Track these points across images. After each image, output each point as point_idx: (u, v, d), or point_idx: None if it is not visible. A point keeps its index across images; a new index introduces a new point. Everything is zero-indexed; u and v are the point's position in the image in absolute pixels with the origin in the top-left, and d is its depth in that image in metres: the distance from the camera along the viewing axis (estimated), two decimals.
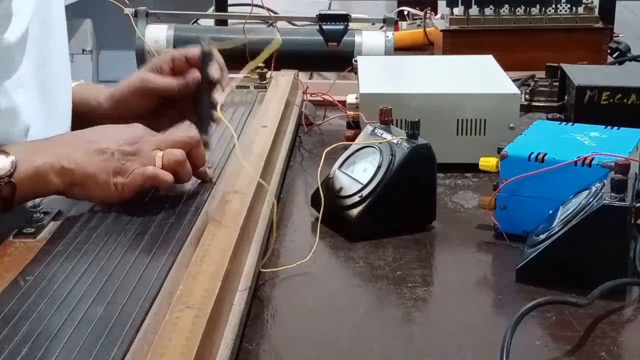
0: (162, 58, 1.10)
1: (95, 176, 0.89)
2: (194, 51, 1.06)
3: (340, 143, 1.09)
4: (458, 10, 1.75)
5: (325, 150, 1.02)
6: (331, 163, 1.03)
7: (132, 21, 1.56)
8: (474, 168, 1.02)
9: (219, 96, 1.04)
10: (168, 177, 0.91)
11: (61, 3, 1.11)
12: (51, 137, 0.95)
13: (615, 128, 1.03)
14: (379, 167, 0.97)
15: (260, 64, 1.44)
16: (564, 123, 1.08)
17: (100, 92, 1.14)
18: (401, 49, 1.81)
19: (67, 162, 0.88)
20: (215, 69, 1.05)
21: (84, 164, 0.89)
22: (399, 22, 1.97)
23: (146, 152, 0.92)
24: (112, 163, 0.90)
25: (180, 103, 1.08)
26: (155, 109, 1.10)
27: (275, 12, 1.75)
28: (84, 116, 1.11)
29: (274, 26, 1.61)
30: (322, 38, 1.60)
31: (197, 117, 1.03)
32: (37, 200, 0.90)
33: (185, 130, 0.96)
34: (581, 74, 1.26)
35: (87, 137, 0.93)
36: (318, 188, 0.99)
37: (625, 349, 0.75)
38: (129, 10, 1.54)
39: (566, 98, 1.29)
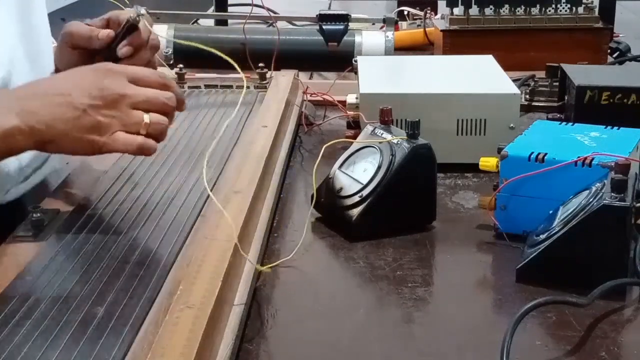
0: (101, 17, 1.06)
1: (66, 134, 0.86)
2: (118, 19, 1.02)
3: (340, 140, 1.09)
4: (458, 10, 1.75)
5: (325, 146, 1.02)
6: (330, 162, 1.03)
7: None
8: (474, 168, 1.02)
9: (124, 50, 1.01)
10: (154, 147, 0.90)
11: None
12: (19, 88, 0.91)
13: (615, 128, 1.03)
14: (379, 167, 0.97)
15: (261, 64, 1.44)
16: (564, 123, 1.08)
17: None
18: (401, 49, 1.81)
19: (36, 123, 0.85)
20: (129, 44, 1.01)
21: (54, 122, 0.85)
22: (399, 22, 1.97)
23: (125, 111, 0.88)
24: (84, 121, 0.86)
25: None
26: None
27: (275, 12, 1.75)
28: None
29: (274, 26, 1.61)
30: (322, 38, 1.60)
31: None
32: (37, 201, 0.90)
33: (154, 74, 0.93)
34: (581, 74, 1.26)
35: (56, 88, 0.88)
36: (319, 187, 0.99)
37: (625, 349, 0.75)
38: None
39: (566, 98, 1.29)
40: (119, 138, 0.87)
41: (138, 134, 0.88)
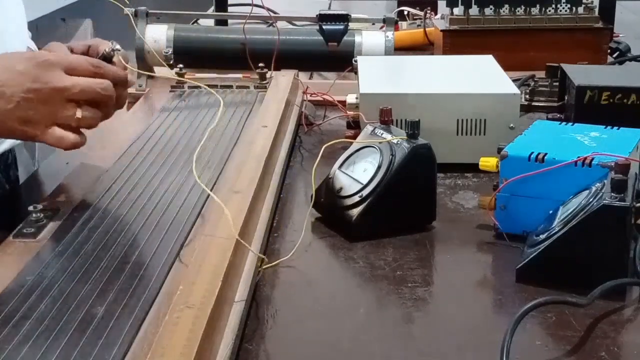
0: (84, 42, 1.05)
1: None
2: (97, 48, 1.01)
3: (340, 140, 1.09)
4: (458, 10, 1.75)
5: (324, 146, 1.02)
6: (330, 162, 1.03)
7: (132, 21, 1.56)
8: (474, 168, 1.02)
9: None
10: (83, 141, 0.92)
11: None
12: None
13: (615, 128, 1.03)
14: (379, 167, 0.97)
15: (261, 64, 1.44)
16: (564, 123, 1.08)
17: None
18: (401, 49, 1.81)
19: None
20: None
21: None
22: (399, 22, 1.97)
23: (59, 104, 0.89)
24: (17, 113, 0.87)
25: None
26: None
27: (275, 12, 1.75)
28: None
29: (274, 26, 1.61)
30: (322, 38, 1.60)
31: None
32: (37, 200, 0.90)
33: (89, 62, 0.93)
34: (581, 74, 1.26)
35: None
36: (319, 187, 0.99)
37: (625, 349, 0.75)
38: (129, 10, 1.54)
39: (566, 98, 1.29)
40: (53, 134, 0.89)
41: (70, 127, 0.91)
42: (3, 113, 0.87)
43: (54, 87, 0.89)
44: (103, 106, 0.94)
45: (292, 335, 0.78)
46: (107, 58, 0.99)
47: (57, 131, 0.90)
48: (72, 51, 1.01)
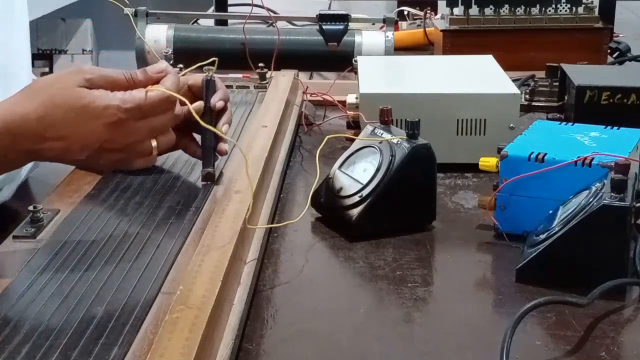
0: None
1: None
2: (196, 79, 1.03)
3: (342, 135, 1.09)
4: (458, 10, 1.75)
5: (327, 137, 1.04)
6: (330, 162, 1.03)
7: (132, 21, 1.56)
8: (474, 168, 1.02)
9: (224, 127, 1.02)
10: (155, 157, 0.95)
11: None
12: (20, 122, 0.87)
13: (615, 128, 1.03)
14: (379, 167, 0.97)
15: (261, 64, 1.44)
16: (564, 123, 1.08)
17: None
18: (401, 49, 1.81)
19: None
20: (219, 98, 1.02)
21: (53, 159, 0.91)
22: (399, 22, 1.97)
23: (138, 147, 0.91)
24: (87, 163, 0.91)
25: (180, 131, 1.03)
26: None
27: (275, 12, 1.75)
28: None
29: (274, 26, 1.61)
30: (322, 38, 1.60)
31: (201, 148, 1.01)
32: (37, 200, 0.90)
33: (159, 97, 0.92)
34: (581, 74, 1.26)
35: (56, 129, 0.87)
36: (319, 187, 0.99)
37: (625, 349, 0.75)
38: (129, 10, 1.54)
39: (566, 98, 1.30)
40: (134, 165, 0.92)
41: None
42: (72, 162, 0.91)
43: (125, 143, 0.90)
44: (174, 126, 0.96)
45: (292, 335, 0.78)
46: (211, 82, 1.02)
47: (137, 162, 0.93)
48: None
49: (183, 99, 0.91)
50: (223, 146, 1.00)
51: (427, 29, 1.95)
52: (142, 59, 1.58)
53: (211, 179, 0.97)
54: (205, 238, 0.82)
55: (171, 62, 1.51)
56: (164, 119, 0.91)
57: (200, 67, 1.03)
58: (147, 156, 0.91)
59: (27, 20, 1.11)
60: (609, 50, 1.78)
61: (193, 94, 1.03)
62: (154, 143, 0.91)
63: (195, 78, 1.02)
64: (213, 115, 1.01)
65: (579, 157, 0.91)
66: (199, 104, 1.00)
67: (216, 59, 1.03)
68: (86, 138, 0.86)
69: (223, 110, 1.02)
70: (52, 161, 0.89)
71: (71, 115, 0.85)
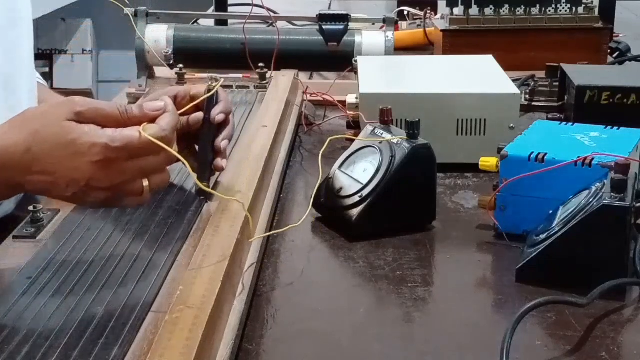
0: (165, 93, 0.97)
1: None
2: (199, 90, 0.96)
3: (342, 135, 1.09)
4: (458, 10, 1.75)
5: (329, 138, 1.03)
6: (330, 162, 1.03)
7: (132, 21, 1.56)
8: (474, 168, 1.02)
9: (223, 142, 0.97)
10: (150, 200, 0.85)
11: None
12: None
13: (615, 128, 1.03)
14: (379, 167, 0.97)
15: (261, 64, 1.44)
16: (564, 123, 1.08)
17: None
18: (401, 49, 1.81)
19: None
20: (220, 112, 0.96)
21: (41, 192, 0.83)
22: (399, 22, 1.97)
23: (127, 187, 0.81)
24: (73, 199, 0.82)
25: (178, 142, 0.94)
26: None
27: (275, 12, 1.75)
28: None
29: (274, 26, 1.61)
30: (322, 38, 1.60)
31: (197, 162, 0.95)
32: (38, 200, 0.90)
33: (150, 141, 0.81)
34: (581, 74, 1.26)
35: (41, 164, 0.79)
36: (319, 187, 1.00)
37: (625, 349, 0.75)
38: (129, 10, 1.54)
39: (566, 98, 1.29)
40: (123, 203, 0.83)
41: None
42: (58, 196, 0.82)
43: (114, 183, 0.80)
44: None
45: (292, 335, 0.78)
46: (214, 94, 0.95)
47: (126, 200, 0.83)
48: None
49: (174, 152, 0.82)
50: (220, 162, 0.95)
51: (427, 29, 1.95)
52: (142, 59, 1.58)
53: (205, 195, 0.93)
54: (205, 238, 0.82)
55: (171, 62, 1.51)
56: (157, 159, 0.82)
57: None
58: (137, 196, 0.82)
59: (32, 32, 1.08)
60: (609, 50, 1.78)
61: (195, 104, 0.96)
62: (145, 183, 0.82)
63: (198, 89, 0.97)
64: (213, 128, 0.96)
65: (579, 157, 0.91)
66: (198, 115, 0.95)
67: (222, 80, 0.98)
68: (71, 174, 0.79)
69: (224, 124, 0.98)
70: (38, 194, 0.84)
71: (57, 150, 0.79)
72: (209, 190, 0.91)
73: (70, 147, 0.78)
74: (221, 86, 1.38)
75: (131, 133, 0.80)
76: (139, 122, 0.82)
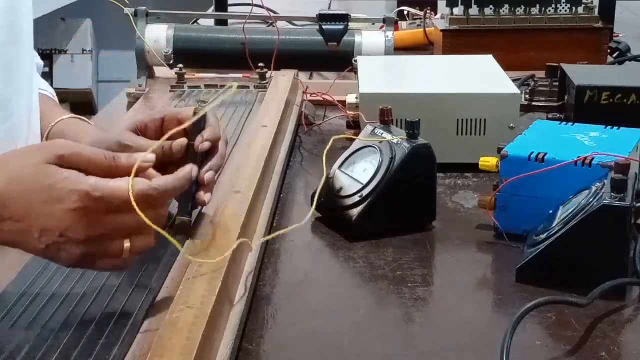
0: (152, 115, 0.92)
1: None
2: (188, 114, 0.88)
3: (343, 136, 1.09)
4: (458, 10, 1.75)
5: (332, 138, 1.03)
6: (330, 162, 1.03)
7: (132, 21, 1.56)
8: (474, 168, 1.02)
9: (207, 174, 0.87)
10: (133, 264, 0.76)
11: (30, 8, 1.00)
12: None
13: (615, 128, 1.03)
14: (379, 167, 0.97)
15: (261, 64, 1.44)
16: (564, 123, 1.08)
17: (82, 134, 0.96)
18: (401, 49, 1.81)
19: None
20: (206, 139, 0.87)
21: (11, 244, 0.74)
22: (399, 22, 1.97)
23: (105, 245, 0.73)
24: (45, 254, 0.73)
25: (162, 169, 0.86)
26: None
27: (275, 12, 1.75)
28: None
29: (274, 26, 1.61)
30: (322, 38, 1.60)
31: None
32: None
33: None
34: (581, 74, 1.26)
35: (10, 210, 0.72)
36: (318, 186, 0.99)
37: (625, 349, 0.75)
38: (129, 10, 1.54)
39: (566, 98, 1.29)
40: (101, 264, 0.74)
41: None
42: (28, 249, 0.74)
43: (92, 235, 0.72)
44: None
45: (292, 335, 0.78)
46: (200, 120, 0.86)
47: (101, 263, 0.74)
48: (144, 131, 0.90)
49: (153, 226, 0.73)
50: (202, 196, 0.86)
51: (427, 29, 1.95)
52: (142, 59, 1.58)
53: (185, 231, 0.84)
54: (205, 238, 0.82)
55: (171, 62, 1.51)
56: (141, 220, 0.72)
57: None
58: (116, 257, 0.73)
59: (32, 48, 1.03)
60: (609, 50, 1.78)
61: (185, 129, 0.86)
62: (126, 244, 0.73)
63: (188, 112, 0.88)
64: (197, 156, 0.86)
65: (579, 157, 0.91)
66: (182, 141, 0.87)
67: (216, 101, 0.86)
68: (45, 222, 0.71)
69: (212, 152, 0.88)
70: (10, 246, 0.74)
71: (32, 194, 0.72)
72: (188, 225, 0.83)
73: (47, 192, 0.71)
74: (221, 86, 1.37)
75: (116, 185, 0.72)
76: (126, 173, 0.74)
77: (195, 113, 0.85)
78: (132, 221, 0.72)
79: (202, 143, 0.86)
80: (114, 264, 0.74)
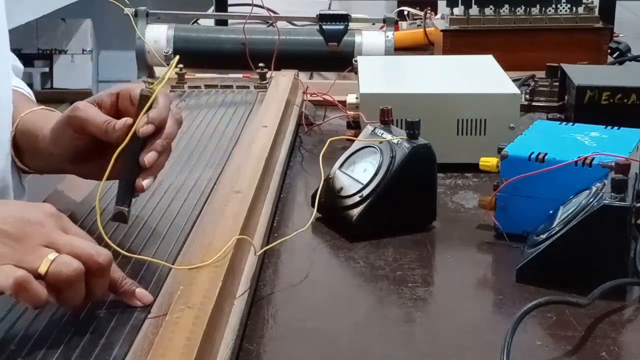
0: (109, 90, 0.90)
1: None
2: (130, 93, 0.86)
3: (343, 137, 1.09)
4: (458, 10, 1.75)
5: (330, 139, 1.03)
6: (330, 162, 1.03)
7: (132, 21, 1.56)
8: (474, 168, 1.02)
9: (148, 155, 0.83)
10: (41, 293, 0.66)
11: (2, 10, 0.99)
12: None
13: (616, 128, 1.03)
14: (379, 167, 0.97)
15: (261, 64, 1.44)
16: (564, 123, 1.08)
17: (51, 121, 0.93)
18: (401, 49, 1.81)
19: None
20: (150, 122, 0.83)
21: None
22: (399, 22, 1.97)
23: (33, 244, 0.67)
24: None
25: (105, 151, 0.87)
26: (90, 150, 0.90)
27: (275, 12, 1.75)
28: (35, 150, 0.95)
29: (274, 26, 1.61)
30: (322, 38, 1.60)
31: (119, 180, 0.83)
32: None
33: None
34: (581, 74, 1.26)
35: None
36: (318, 187, 0.99)
37: (625, 349, 0.75)
38: (129, 10, 1.54)
39: (566, 98, 1.29)
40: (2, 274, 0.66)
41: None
42: None
43: (40, 230, 0.69)
44: (95, 281, 0.70)
45: (292, 335, 0.78)
46: (147, 97, 0.83)
47: (5, 268, 0.66)
48: (100, 105, 0.89)
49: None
50: (140, 182, 0.83)
51: (427, 29, 1.95)
52: (142, 59, 1.58)
53: (122, 220, 0.81)
54: (206, 238, 0.82)
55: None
56: (90, 247, 0.70)
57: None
58: (32, 268, 0.66)
59: (8, 49, 1.01)
60: (609, 50, 1.78)
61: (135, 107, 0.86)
62: (50, 254, 0.67)
63: (133, 89, 0.86)
64: (139, 140, 0.83)
65: (579, 157, 0.91)
66: (124, 121, 0.84)
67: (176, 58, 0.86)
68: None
69: (158, 135, 0.84)
70: None
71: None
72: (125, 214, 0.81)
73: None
74: (221, 87, 1.37)
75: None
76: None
77: (141, 95, 0.83)
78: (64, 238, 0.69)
79: (143, 127, 0.83)
80: (23, 280, 0.65)
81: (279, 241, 0.91)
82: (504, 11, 1.74)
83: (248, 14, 1.56)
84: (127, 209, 0.82)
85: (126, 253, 0.78)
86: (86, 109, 0.87)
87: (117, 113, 0.88)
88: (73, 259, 0.68)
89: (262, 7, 1.62)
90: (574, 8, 1.73)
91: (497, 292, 0.86)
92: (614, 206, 0.81)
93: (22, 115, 0.99)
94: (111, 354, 0.64)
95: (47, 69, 4.69)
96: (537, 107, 1.45)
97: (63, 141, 0.90)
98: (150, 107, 0.83)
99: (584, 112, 1.19)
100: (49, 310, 0.70)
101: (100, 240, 0.75)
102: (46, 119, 0.96)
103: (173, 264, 0.79)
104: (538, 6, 1.73)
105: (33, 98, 1.11)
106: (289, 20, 1.90)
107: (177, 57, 0.86)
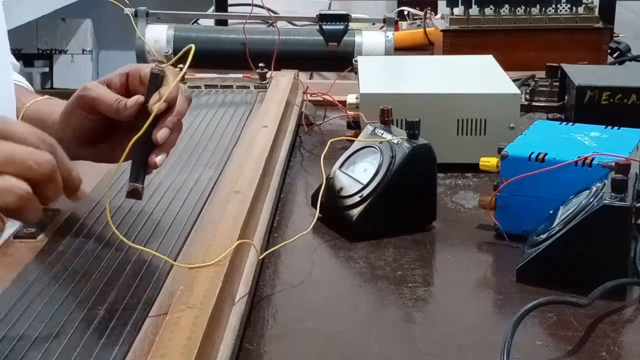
0: (118, 71, 0.91)
1: None
2: (139, 73, 0.87)
3: (343, 137, 1.09)
4: (458, 10, 1.75)
5: (331, 140, 1.03)
6: (330, 162, 1.03)
7: (132, 21, 1.56)
8: (474, 168, 1.02)
9: (161, 131, 0.84)
10: None
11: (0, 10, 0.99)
12: None
13: (616, 128, 1.03)
14: (379, 167, 0.97)
15: (261, 64, 1.44)
16: (564, 123, 1.08)
17: (57, 108, 0.94)
18: (401, 49, 1.81)
19: None
20: (158, 99, 0.83)
21: None
22: (399, 22, 1.97)
23: None
24: None
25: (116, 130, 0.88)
26: (100, 132, 0.91)
27: (275, 12, 1.76)
28: None
29: (274, 26, 1.61)
30: (322, 38, 1.60)
31: (131, 158, 0.84)
32: None
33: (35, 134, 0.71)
34: (581, 74, 1.26)
35: None
36: (318, 187, 0.99)
37: (625, 349, 0.75)
38: (129, 10, 1.54)
39: (566, 98, 1.29)
40: None
41: None
42: None
43: None
44: (41, 187, 0.71)
45: (292, 335, 0.78)
46: (159, 75, 0.83)
47: None
48: (109, 85, 0.89)
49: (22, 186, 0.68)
50: (153, 158, 0.83)
51: (427, 29, 1.95)
52: (142, 59, 1.58)
53: (137, 196, 0.82)
54: (206, 238, 0.82)
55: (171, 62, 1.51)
56: (28, 153, 0.69)
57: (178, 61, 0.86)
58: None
59: (8, 50, 1.01)
60: (609, 50, 1.78)
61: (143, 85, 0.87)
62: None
63: (142, 68, 0.87)
64: (151, 118, 0.83)
65: (579, 157, 0.91)
66: (135, 99, 0.84)
67: (191, 46, 0.86)
68: None
69: (170, 111, 0.85)
70: None
71: None
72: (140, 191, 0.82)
73: None
74: (221, 87, 1.37)
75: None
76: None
77: (152, 73, 0.83)
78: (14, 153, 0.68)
79: (155, 104, 0.82)
80: None
81: (281, 244, 0.91)
82: (504, 11, 1.74)
83: (248, 14, 1.57)
84: (141, 186, 0.83)
85: (133, 244, 0.79)
86: (96, 88, 0.88)
87: (127, 93, 0.88)
88: (16, 182, 0.68)
89: (262, 7, 1.62)
90: (574, 8, 1.73)
91: (497, 292, 0.86)
92: (614, 206, 0.81)
93: (27, 105, 0.99)
94: (111, 353, 0.64)
95: (47, 69, 4.70)
96: (537, 107, 1.45)
97: (73, 122, 0.90)
98: (160, 85, 0.83)
99: (584, 112, 1.19)
100: (49, 310, 0.70)
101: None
102: (51, 107, 0.97)
103: (173, 265, 0.79)
104: (538, 6, 1.73)
105: (33, 91, 1.11)
106: (289, 20, 1.90)
107: (193, 46, 0.86)
